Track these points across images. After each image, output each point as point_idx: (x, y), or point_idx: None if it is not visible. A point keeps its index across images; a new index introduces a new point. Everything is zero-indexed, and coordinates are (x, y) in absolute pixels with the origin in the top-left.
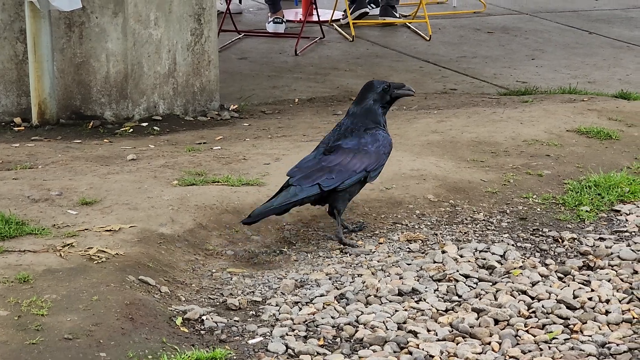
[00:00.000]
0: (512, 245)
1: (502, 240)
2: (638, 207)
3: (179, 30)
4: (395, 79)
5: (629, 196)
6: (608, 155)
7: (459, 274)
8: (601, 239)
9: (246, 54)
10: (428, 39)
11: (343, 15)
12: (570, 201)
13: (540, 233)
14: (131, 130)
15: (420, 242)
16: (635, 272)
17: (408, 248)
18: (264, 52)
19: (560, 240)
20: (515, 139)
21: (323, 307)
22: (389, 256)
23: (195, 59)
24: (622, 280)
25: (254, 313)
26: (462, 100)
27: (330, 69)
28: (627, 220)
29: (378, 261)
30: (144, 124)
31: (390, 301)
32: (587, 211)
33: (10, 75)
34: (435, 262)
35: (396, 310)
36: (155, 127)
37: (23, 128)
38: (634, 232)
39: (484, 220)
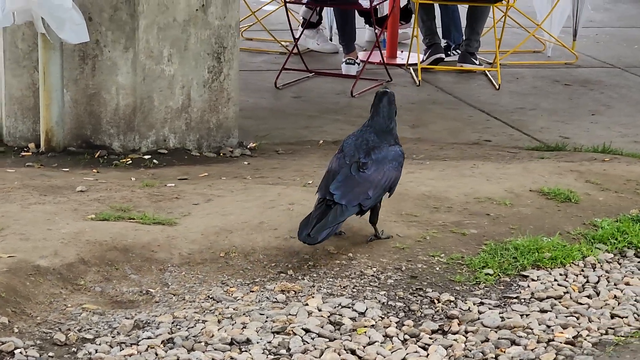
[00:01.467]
0: (382, 303)
1: (374, 298)
2: (551, 274)
3: (195, 67)
4: (435, 126)
5: (546, 262)
6: (555, 218)
7: (301, 328)
8: (481, 304)
9: (303, 93)
10: (497, 88)
11: (423, 58)
12: (475, 263)
13: (421, 293)
14: (130, 162)
15: (293, 293)
16: (486, 340)
17: (275, 299)
18: (323, 92)
19: (436, 301)
20: (467, 196)
21: (146, 349)
22: (247, 305)
23: (212, 96)
24: (464, 347)
25: (75, 350)
26: (477, 152)
27: None
28: (528, 286)
29: (234, 309)
30: (147, 157)
31: (215, 349)
32: (488, 274)
33: (28, 102)
34: (289, 314)
35: (212, 359)
36: (155, 161)
37: (30, 153)
38: (524, 299)
39: (372, 275)
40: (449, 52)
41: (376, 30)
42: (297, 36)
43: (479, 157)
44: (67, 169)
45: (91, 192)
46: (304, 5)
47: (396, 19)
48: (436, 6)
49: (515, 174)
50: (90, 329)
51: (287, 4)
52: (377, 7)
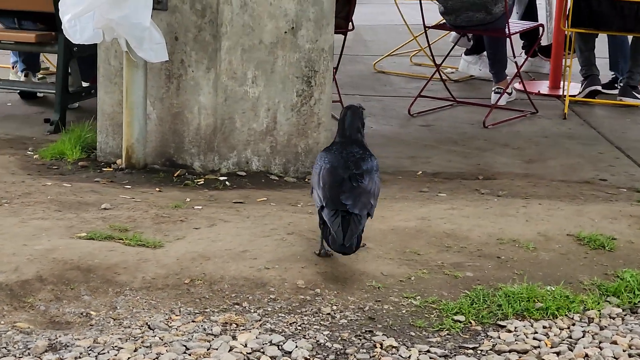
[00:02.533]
0: (319, 343)
1: (314, 337)
2: (532, 326)
3: (282, 90)
4: (553, 162)
5: (534, 312)
6: (574, 266)
7: None
8: (427, 352)
9: (435, 122)
10: None
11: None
12: (449, 308)
13: (367, 336)
14: (202, 182)
15: (235, 326)
16: None
17: (210, 331)
18: (456, 122)
19: (378, 346)
20: (491, 237)
21: None
22: (177, 335)
23: (301, 120)
24: None
25: None
26: (574, 190)
27: (500, 145)
28: (499, 337)
29: (160, 338)
30: (223, 178)
31: None
32: (457, 321)
33: (118, 119)
34: (210, 348)
35: None
36: (227, 182)
37: (111, 169)
38: (481, 351)
39: (328, 314)
40: (616, 85)
41: (517, 58)
42: (439, 63)
43: (569, 196)
44: (130, 187)
45: (113, 210)
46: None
47: (560, 47)
48: (602, 36)
49: (562, 216)
50: (5, 347)
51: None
52: (542, 35)
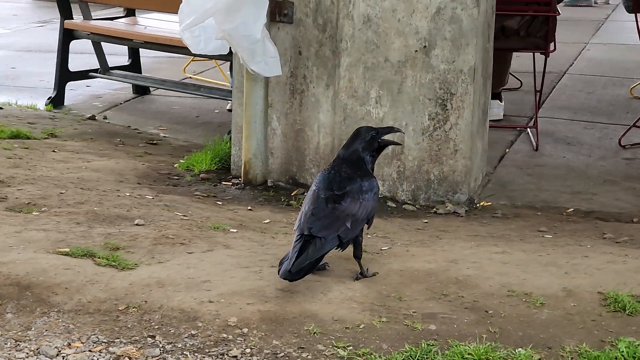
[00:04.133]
0: None
1: None
2: None
3: (412, 113)
4: None
5: None
6: (569, 329)
7: None
8: None
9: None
10: None
11: None
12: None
13: None
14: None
15: (127, 358)
16: None
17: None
18: None
19: None
20: (503, 287)
21: None
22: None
23: (433, 145)
24: None
25: None
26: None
27: None
28: None
29: None
30: None
31: None
32: None
33: None
34: None
35: None
36: None
37: (229, 184)
38: None
39: (234, 356)
40: None
41: None
42: None
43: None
44: (221, 203)
45: (141, 227)
46: None
47: None
48: None
49: (618, 270)
50: None
51: None
52: None
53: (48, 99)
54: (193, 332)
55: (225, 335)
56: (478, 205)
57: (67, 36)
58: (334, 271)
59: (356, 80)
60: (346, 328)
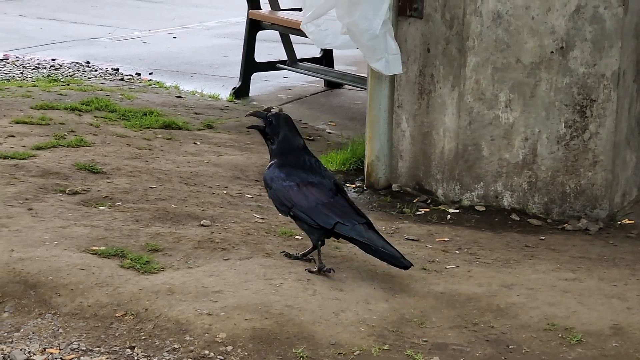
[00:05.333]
0: None
1: None
2: None
3: (545, 119)
4: None
5: None
6: None
7: None
8: None
9: None
10: None
11: None
12: None
13: None
14: (422, 212)
15: None
16: None
17: None
18: None
19: None
20: (544, 320)
21: None
22: None
23: (569, 155)
24: None
25: None
26: None
27: None
28: None
29: None
30: (452, 211)
31: None
32: None
33: None
34: None
35: None
36: (450, 217)
37: (353, 186)
38: None
39: None
40: None
41: None
42: None
43: None
44: None
45: (204, 228)
46: None
47: None
48: None
49: None
50: None
51: None
52: None
53: (232, 89)
54: (176, 346)
55: (206, 352)
56: (618, 223)
57: (253, 27)
58: (363, 287)
59: (483, 81)
60: (339, 354)
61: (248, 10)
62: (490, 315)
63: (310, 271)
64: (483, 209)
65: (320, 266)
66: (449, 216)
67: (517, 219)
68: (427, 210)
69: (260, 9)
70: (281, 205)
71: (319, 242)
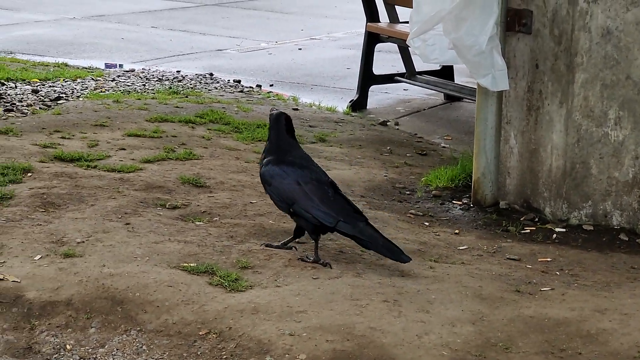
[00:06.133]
0: None
1: None
2: None
3: None
4: None
5: None
6: None
7: None
8: None
9: None
10: None
11: None
12: None
13: None
14: (528, 231)
15: None
16: None
17: None
18: None
19: None
20: (636, 346)
21: None
22: None
23: None
24: None
25: None
26: None
27: None
28: None
29: None
30: (559, 230)
31: None
32: None
33: None
34: None
35: None
36: (555, 235)
37: (460, 203)
38: None
39: None
40: None
41: None
42: None
43: None
44: (427, 223)
45: (299, 244)
46: None
47: None
48: None
49: None
50: None
51: None
52: None
53: (350, 101)
54: None
55: None
56: None
57: (372, 39)
58: (451, 309)
59: (592, 98)
60: None
61: (366, 23)
62: (579, 341)
63: (304, 260)
64: (591, 228)
65: (316, 259)
66: (555, 235)
67: (626, 239)
68: (533, 228)
69: (379, 21)
70: (281, 202)
71: (317, 237)
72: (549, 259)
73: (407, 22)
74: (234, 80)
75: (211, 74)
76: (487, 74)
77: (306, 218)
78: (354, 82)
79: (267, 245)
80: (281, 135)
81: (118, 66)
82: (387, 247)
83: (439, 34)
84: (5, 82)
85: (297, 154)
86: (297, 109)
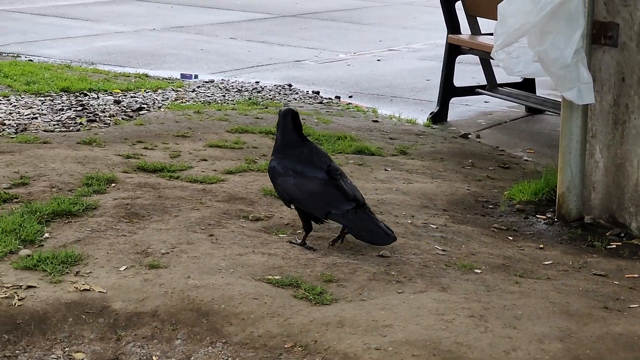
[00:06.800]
0: None
1: None
2: None
3: None
4: None
5: None
6: None
7: None
8: None
9: None
10: None
11: None
12: None
13: None
14: (614, 246)
15: None
16: None
17: None
18: None
19: None
20: None
21: None
22: None
23: None
24: None
25: None
26: None
27: None
28: None
29: None
30: None
31: None
32: None
33: None
34: None
35: None
36: None
37: (544, 217)
38: None
39: None
40: None
41: None
42: None
43: None
44: (512, 237)
45: (383, 258)
46: None
47: None
48: None
49: None
50: None
51: None
52: None
53: (430, 114)
54: None
55: None
56: None
57: (452, 51)
58: (538, 325)
59: None
60: None
61: (447, 34)
62: None
63: (291, 242)
64: None
65: (302, 243)
66: None
67: None
68: (619, 244)
69: (460, 33)
70: (283, 198)
71: (310, 227)
72: (636, 275)
73: (489, 34)
74: (312, 91)
75: (290, 85)
76: (572, 87)
77: (303, 211)
78: (433, 94)
79: (291, 242)
80: (286, 132)
81: (193, 77)
82: (371, 233)
83: (523, 47)
84: (88, 93)
85: (299, 149)
86: (376, 121)
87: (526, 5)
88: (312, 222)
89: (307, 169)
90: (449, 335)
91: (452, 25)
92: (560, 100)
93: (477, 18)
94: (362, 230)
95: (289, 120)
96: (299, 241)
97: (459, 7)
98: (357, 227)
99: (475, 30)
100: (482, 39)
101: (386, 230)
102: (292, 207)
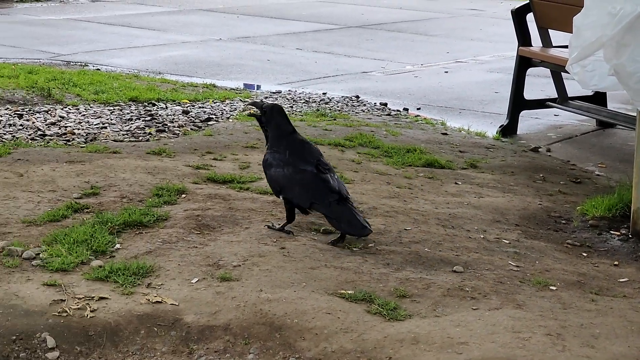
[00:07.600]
0: None
1: None
2: None
3: None
4: None
5: None
6: None
7: None
8: None
9: None
10: None
11: None
12: None
13: None
14: None
15: None
16: None
17: None
18: None
19: None
20: None
21: None
22: None
23: None
24: None
25: None
26: None
27: None
28: None
29: None
30: None
31: None
32: None
33: None
34: None
35: None
36: None
37: (618, 233)
38: None
39: None
40: None
41: None
42: None
43: None
44: (586, 254)
45: (456, 274)
46: None
47: None
48: None
49: None
50: None
51: None
52: None
53: (500, 126)
54: None
55: None
56: None
57: (523, 63)
58: (617, 345)
59: None
60: None
61: (518, 47)
62: None
63: (269, 227)
64: None
65: (280, 229)
66: None
67: None
68: None
69: (531, 45)
70: (274, 188)
71: (292, 216)
72: None
73: (560, 47)
74: (380, 103)
75: (357, 97)
76: None
77: (290, 202)
78: (502, 107)
79: (269, 227)
80: (278, 126)
81: (256, 87)
82: (350, 225)
83: (598, 60)
84: (156, 103)
85: (290, 142)
86: (445, 134)
87: (603, 18)
88: (297, 214)
89: (297, 162)
90: (526, 353)
91: (523, 37)
92: (633, 114)
93: (549, 30)
94: (342, 221)
95: (278, 115)
96: (278, 226)
97: (529, 19)
98: (337, 218)
99: (546, 42)
100: (554, 52)
101: (363, 223)
102: (281, 197)
